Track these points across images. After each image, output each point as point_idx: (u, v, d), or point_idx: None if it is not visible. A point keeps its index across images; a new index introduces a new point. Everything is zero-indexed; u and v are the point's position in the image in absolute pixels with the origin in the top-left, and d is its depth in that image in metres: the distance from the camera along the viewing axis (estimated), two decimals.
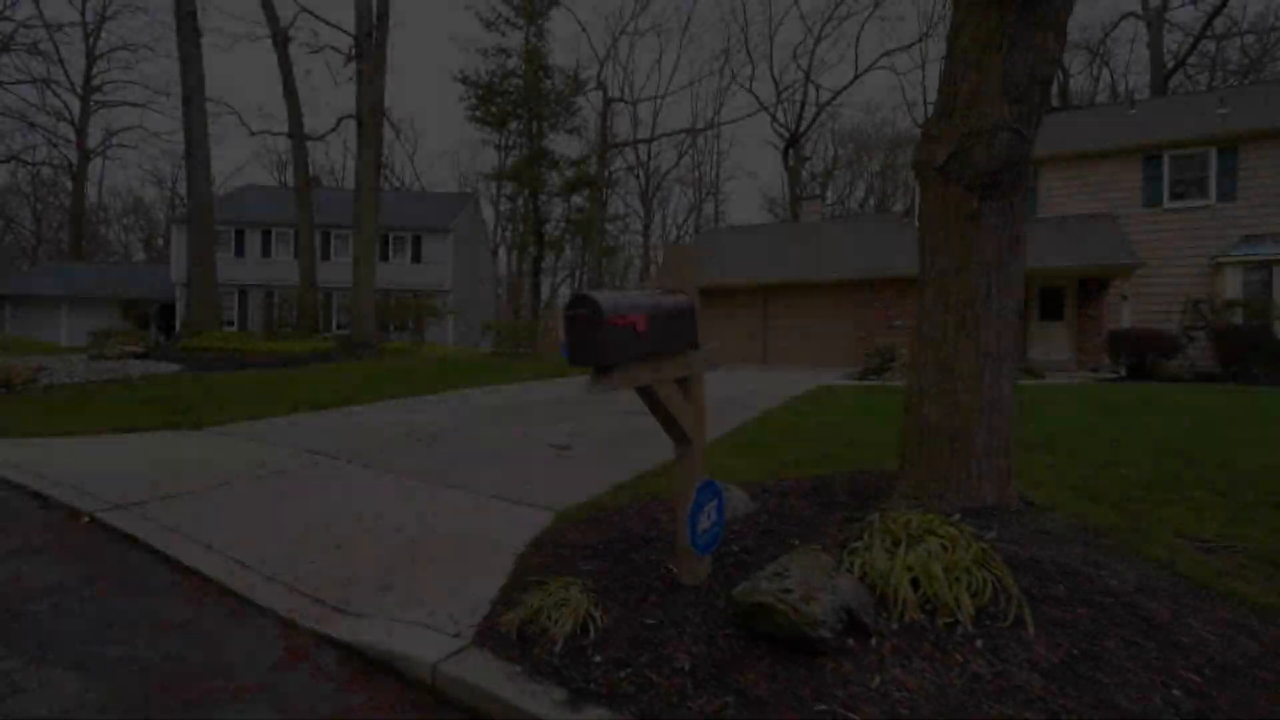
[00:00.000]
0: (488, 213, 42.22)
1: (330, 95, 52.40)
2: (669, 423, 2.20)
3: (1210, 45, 26.15)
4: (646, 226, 37.87)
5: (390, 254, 27.50)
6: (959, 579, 1.96)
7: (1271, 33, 30.36)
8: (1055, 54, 2.46)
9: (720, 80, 62.10)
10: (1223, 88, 19.86)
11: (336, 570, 2.98)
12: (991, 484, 2.56)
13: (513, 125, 30.29)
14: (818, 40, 29.70)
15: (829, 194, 40.69)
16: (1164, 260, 13.60)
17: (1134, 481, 4.05)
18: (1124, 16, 27.12)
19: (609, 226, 32.55)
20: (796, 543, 2.46)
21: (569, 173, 30.07)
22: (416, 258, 28.12)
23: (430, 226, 27.97)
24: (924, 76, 48.90)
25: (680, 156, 37.89)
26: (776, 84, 28.86)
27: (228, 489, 4.33)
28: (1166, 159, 14.03)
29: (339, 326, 26.67)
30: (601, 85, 23.82)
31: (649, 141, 27.16)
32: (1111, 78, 29.44)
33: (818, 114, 29.64)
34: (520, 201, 42.22)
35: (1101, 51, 25.43)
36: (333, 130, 16.87)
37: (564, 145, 36.67)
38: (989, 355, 2.52)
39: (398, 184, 47.10)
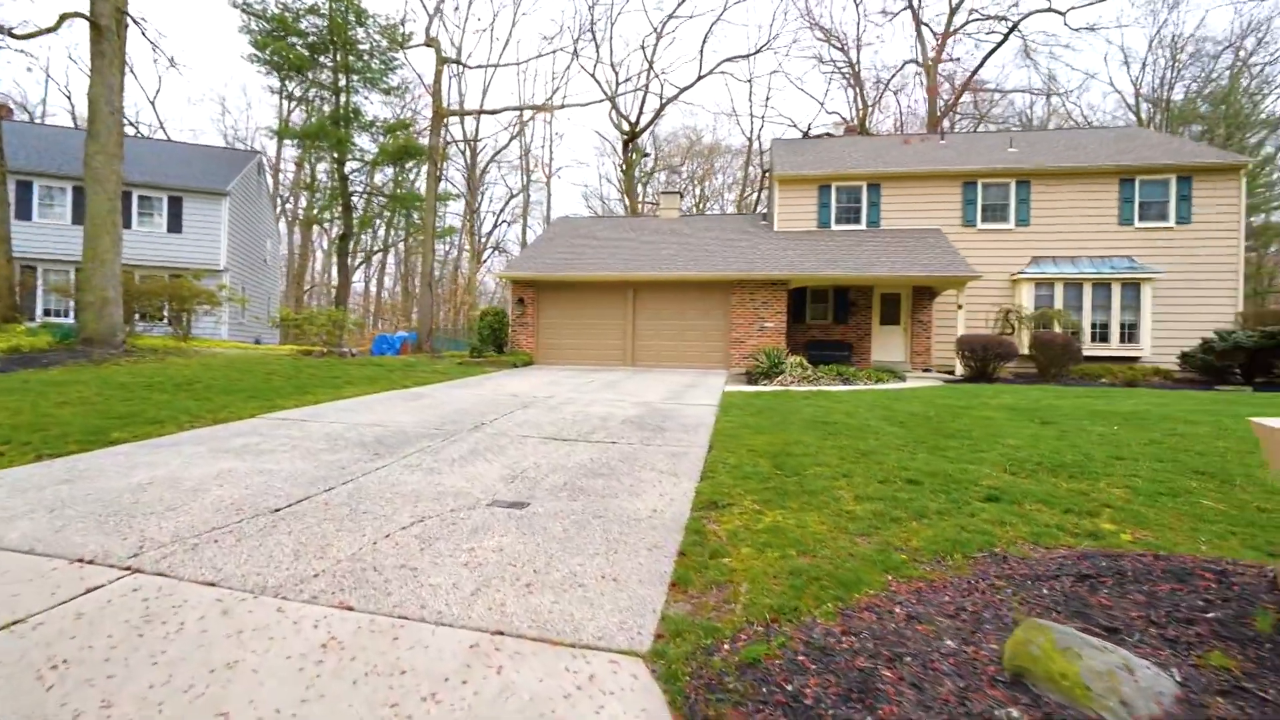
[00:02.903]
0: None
1: None
2: None
3: (971, 96, 31.76)
4: (474, 210, 34.47)
5: (135, 219, 20.93)
6: None
7: (995, 92, 37.89)
8: None
9: (554, 63, 59.88)
10: (1011, 131, 24.02)
11: None
12: None
13: (315, 75, 25.07)
14: (659, 36, 29.66)
15: (647, 193, 41.43)
16: (979, 274, 15.56)
17: None
18: (906, 63, 31.68)
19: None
20: None
21: (385, 139, 25.82)
22: (175, 226, 21.82)
23: (196, 187, 21.91)
24: (751, 90, 52.50)
25: (512, 138, 35.14)
26: (616, 73, 28.04)
27: None
28: (979, 186, 16.12)
29: (52, 313, 19.62)
30: (433, 42, 20.51)
31: (495, 113, 24.34)
32: (901, 113, 34.48)
33: (661, 109, 29.65)
34: (308, 167, 35.68)
35: (893, 88, 29.72)
36: (52, 30, 11.52)
37: (378, 108, 31.70)
38: None
39: (132, 131, 36.93)
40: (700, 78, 29.23)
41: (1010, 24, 29.24)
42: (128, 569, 2.89)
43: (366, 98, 26.09)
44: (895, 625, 2.17)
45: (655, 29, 29.35)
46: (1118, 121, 34.93)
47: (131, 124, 38.94)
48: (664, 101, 29.71)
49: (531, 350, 16.33)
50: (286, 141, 34.54)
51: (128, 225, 20.14)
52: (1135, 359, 14.70)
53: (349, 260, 30.27)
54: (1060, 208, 15.78)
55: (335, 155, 25.57)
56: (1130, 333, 14.93)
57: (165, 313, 17.88)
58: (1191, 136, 29.50)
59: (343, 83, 24.92)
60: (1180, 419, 7.08)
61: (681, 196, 22.08)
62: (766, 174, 32.43)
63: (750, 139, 35.20)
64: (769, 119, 61.67)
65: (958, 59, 30.64)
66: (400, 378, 11.31)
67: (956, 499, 4.03)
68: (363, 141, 27.23)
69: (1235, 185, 15.08)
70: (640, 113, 29.90)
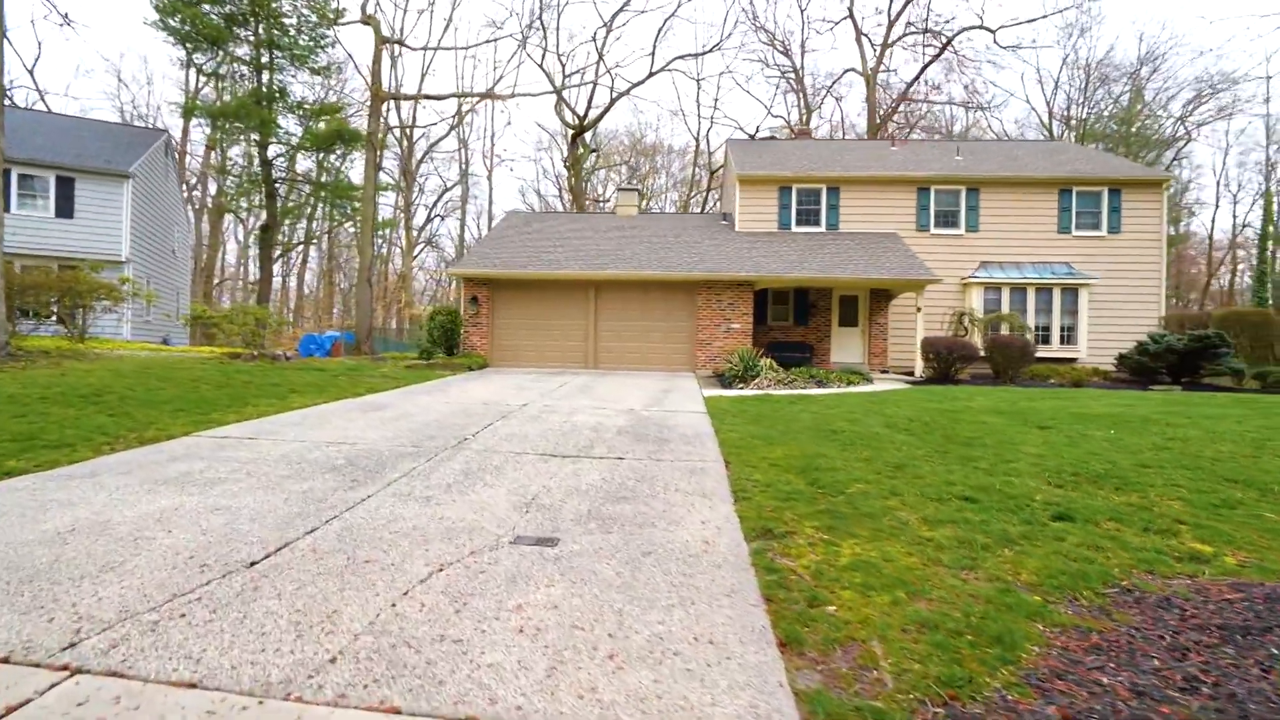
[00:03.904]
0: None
1: None
2: None
3: (910, 106, 33.07)
4: (409, 203, 32.54)
5: (15, 201, 18.31)
6: None
7: (926, 103, 39.59)
8: None
9: (496, 52, 57.60)
10: (959, 140, 25.00)
11: None
12: None
13: (231, 49, 22.76)
14: (609, 30, 29.00)
15: (587, 190, 40.71)
16: (939, 278, 15.96)
17: None
18: (846, 71, 32.55)
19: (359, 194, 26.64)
20: None
21: (313, 122, 23.85)
22: (66, 210, 19.25)
23: (94, 167, 19.43)
24: (699, 90, 52.46)
25: (451, 128, 33.43)
26: (563, 65, 27.11)
27: None
28: (933, 192, 16.58)
29: None
30: (371, 20, 19.01)
31: (440, 99, 22.84)
32: (844, 119, 35.42)
33: (611, 104, 28.96)
34: (219, 150, 32.57)
35: (835, 94, 30.41)
36: None
37: (303, 89, 29.33)
38: None
39: (6, 102, 32.57)
40: (652, 74, 28.90)
41: (946, 39, 30.61)
42: (64, 669, 2.11)
43: (293, 76, 24.07)
44: (1128, 707, 1.79)
45: (605, 22, 28.66)
46: (1032, 137, 37.39)
47: (6, 94, 34.41)
48: (615, 96, 29.14)
49: (485, 352, 15.41)
50: (196, 121, 31.46)
51: (6, 208, 17.58)
52: (1073, 360, 15.52)
53: (271, 253, 27.83)
54: (1005, 215, 16.48)
55: (258, 138, 23.33)
56: (1069, 335, 15.77)
57: (55, 309, 15.64)
58: None
59: (265, 59, 22.78)
60: (1160, 420, 7.29)
61: (640, 194, 21.58)
62: (715, 174, 32.51)
63: (697, 139, 35.23)
64: (716, 120, 62.17)
65: (895, 69, 31.76)
66: (349, 384, 10.26)
67: (1027, 519, 3.77)
68: (288, 124, 25.09)
69: (1159, 198, 16.25)
70: (589, 107, 29.23)
